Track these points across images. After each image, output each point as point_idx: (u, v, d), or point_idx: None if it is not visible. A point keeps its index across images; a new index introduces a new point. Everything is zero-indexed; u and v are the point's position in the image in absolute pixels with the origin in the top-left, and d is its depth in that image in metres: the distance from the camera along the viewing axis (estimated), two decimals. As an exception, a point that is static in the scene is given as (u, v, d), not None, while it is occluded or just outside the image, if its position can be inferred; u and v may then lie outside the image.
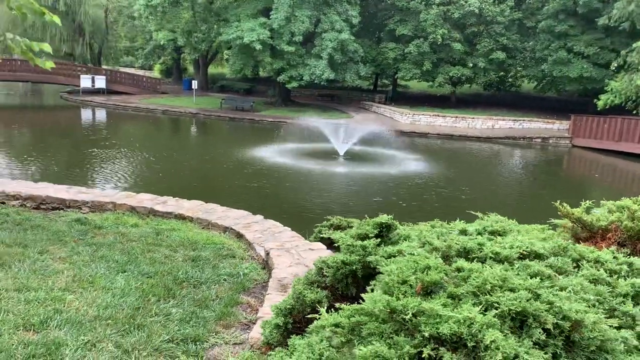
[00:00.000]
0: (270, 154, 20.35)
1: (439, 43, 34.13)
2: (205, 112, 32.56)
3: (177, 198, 8.65)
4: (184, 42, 35.98)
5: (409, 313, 2.16)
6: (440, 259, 2.58)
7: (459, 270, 2.39)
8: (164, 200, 8.46)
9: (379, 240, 3.18)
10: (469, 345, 2.01)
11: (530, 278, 2.37)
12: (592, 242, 4.15)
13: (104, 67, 44.75)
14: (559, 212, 4.38)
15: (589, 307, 2.34)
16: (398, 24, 36.12)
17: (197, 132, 29.47)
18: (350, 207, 13.57)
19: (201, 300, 4.81)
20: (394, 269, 2.49)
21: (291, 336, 2.95)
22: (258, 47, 30.77)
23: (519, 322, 2.16)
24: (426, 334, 2.09)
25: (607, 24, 29.27)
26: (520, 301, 2.11)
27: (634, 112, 27.28)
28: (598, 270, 2.61)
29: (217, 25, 33.23)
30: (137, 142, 22.75)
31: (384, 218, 3.38)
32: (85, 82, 37.64)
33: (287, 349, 2.80)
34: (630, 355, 2.15)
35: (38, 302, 4.22)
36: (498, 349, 1.93)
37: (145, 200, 8.38)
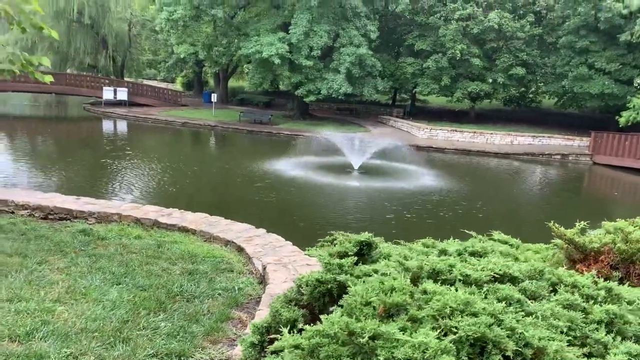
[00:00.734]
0: (284, 167, 20.41)
1: (457, 58, 34.02)
2: (224, 124, 32.86)
3: (182, 210, 8.70)
4: (204, 56, 36.47)
5: (365, 336, 2.11)
6: (408, 279, 2.53)
7: (424, 292, 2.34)
8: (169, 212, 8.52)
9: (356, 258, 3.14)
10: (424, 371, 1.95)
11: (498, 302, 2.31)
12: (586, 264, 4.05)
13: (126, 79, 45.54)
14: (552, 233, 4.29)
15: (560, 333, 2.27)
16: (417, 39, 36.13)
17: (213, 144, 29.75)
18: (361, 221, 13.49)
19: (192, 315, 4.80)
20: (359, 289, 2.44)
21: (266, 355, 2.91)
22: (277, 61, 31.03)
23: (479, 349, 2.10)
24: (381, 359, 2.04)
25: (630, 40, 28.87)
26: (479, 326, 2.05)
27: (657, 129, 26.76)
28: (573, 295, 2.53)
29: (237, 39, 33.63)
30: (154, 154, 23.02)
31: (364, 236, 3.33)
32: (107, 94, 38.31)
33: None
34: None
35: (27, 313, 4.26)
36: (450, 376, 1.87)
37: (151, 212, 8.45)
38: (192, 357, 4.05)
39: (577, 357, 2.17)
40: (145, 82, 51.52)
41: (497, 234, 5.29)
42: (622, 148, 27.00)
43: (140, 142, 28.22)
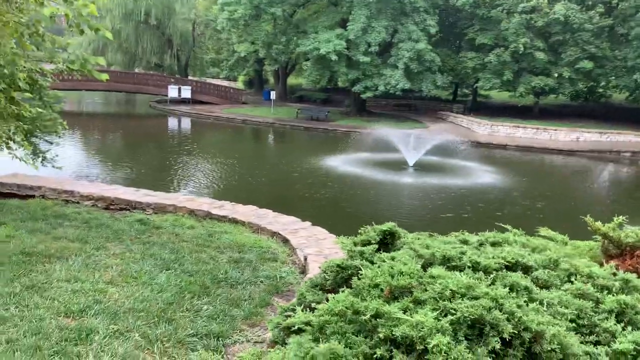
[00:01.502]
0: (338, 163, 20.58)
1: (520, 52, 32.97)
2: (282, 121, 33.42)
3: (233, 203, 9.02)
4: (264, 54, 37.15)
5: (367, 314, 2.24)
6: (418, 265, 2.63)
7: (430, 277, 2.43)
8: (221, 205, 8.87)
9: (377, 246, 3.25)
10: (417, 348, 2.06)
11: (505, 288, 2.37)
12: (622, 259, 3.98)
13: (190, 77, 47.09)
14: (588, 227, 4.23)
15: (564, 320, 2.31)
16: (478, 32, 35.31)
17: (270, 141, 30.37)
18: (411, 217, 13.47)
19: (234, 300, 5.05)
20: (369, 273, 2.57)
21: (291, 335, 3.09)
22: (334, 57, 31.21)
23: (477, 330, 2.18)
24: (382, 336, 2.16)
25: None
26: (477, 309, 2.13)
27: None
28: (586, 284, 2.55)
29: (296, 37, 34.05)
30: (214, 150, 23.78)
31: (387, 225, 3.44)
32: (172, 92, 39.75)
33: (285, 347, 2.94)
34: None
35: (82, 293, 4.63)
36: (441, 353, 1.97)
37: (204, 204, 8.83)
38: (229, 338, 4.28)
39: (579, 342, 2.21)
40: (209, 80, 53.06)
41: (544, 231, 5.23)
42: (699, 145, 25.38)
43: (201, 138, 29.19)
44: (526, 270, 2.69)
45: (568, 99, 42.31)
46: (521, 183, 19.32)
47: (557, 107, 41.64)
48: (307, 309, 2.61)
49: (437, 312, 2.18)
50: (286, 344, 3.31)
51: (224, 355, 3.99)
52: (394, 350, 2.14)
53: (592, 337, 2.34)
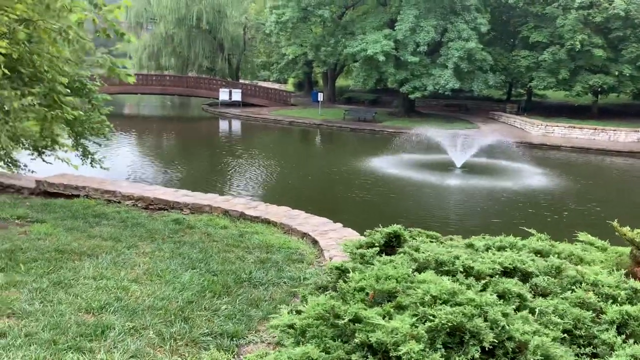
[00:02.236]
0: (383, 164, 20.38)
1: (577, 50, 31.66)
2: (328, 123, 33.46)
3: (267, 204, 9.10)
4: (312, 56, 37.32)
5: (345, 318, 2.19)
6: (410, 269, 2.55)
7: (418, 282, 2.35)
8: (255, 205, 8.95)
9: (377, 249, 3.18)
10: (392, 355, 1.99)
11: (493, 295, 2.26)
12: (651, 268, 3.73)
13: (241, 81, 47.91)
14: (615, 233, 3.99)
15: (557, 330, 2.18)
16: (532, 30, 34.19)
17: (315, 142, 30.46)
18: (454, 221, 13.18)
19: (253, 300, 5.06)
20: (356, 276, 2.51)
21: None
22: (381, 58, 30.97)
23: (458, 338, 2.08)
24: (358, 341, 2.11)
25: None
26: (457, 316, 2.04)
27: None
28: (587, 292, 2.40)
29: (344, 38, 34.01)
30: (260, 151, 24.05)
31: (392, 228, 3.36)
32: (223, 95, 40.55)
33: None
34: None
35: (105, 290, 4.76)
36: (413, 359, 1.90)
37: (238, 204, 8.93)
38: (244, 339, 4.29)
39: (573, 355, 2.08)
40: (262, 83, 53.84)
41: (583, 236, 5.01)
42: None
43: (249, 140, 29.64)
44: (526, 276, 2.56)
45: (630, 98, 40.30)
46: (575, 186, 18.52)
47: (617, 106, 39.75)
48: (294, 311, 2.58)
49: (416, 318, 2.10)
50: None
51: (235, 356, 4.00)
52: (369, 356, 2.08)
53: (589, 349, 2.20)
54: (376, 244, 3.28)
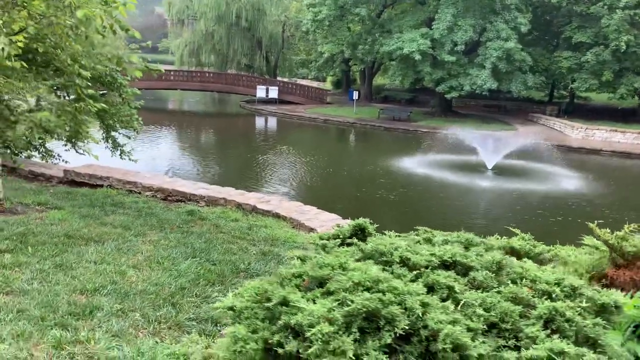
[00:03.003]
0: (413, 164, 20.26)
1: (622, 50, 30.59)
2: (362, 121, 33.43)
3: (280, 199, 9.26)
4: (349, 54, 37.33)
5: (273, 300, 2.29)
6: (353, 259, 2.63)
7: (346, 269, 2.44)
8: (268, 200, 9.12)
9: (338, 241, 3.27)
10: (306, 336, 2.09)
11: (419, 285, 2.33)
12: (629, 270, 3.69)
13: (279, 78, 48.36)
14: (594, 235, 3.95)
15: (479, 322, 2.22)
16: (576, 30, 33.20)
17: (347, 140, 30.53)
18: (477, 223, 13.03)
19: (246, 289, 5.20)
20: (297, 263, 2.61)
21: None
22: (417, 57, 30.72)
23: (376, 324, 2.16)
24: (282, 322, 2.21)
25: None
26: (372, 302, 2.11)
27: None
28: (521, 288, 2.44)
29: (381, 37, 33.88)
30: (291, 148, 24.25)
31: (359, 221, 3.44)
32: (260, 92, 41.01)
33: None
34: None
35: (104, 273, 4.99)
36: (318, 341, 1.99)
37: (252, 198, 9.12)
38: (228, 325, 4.43)
39: (483, 344, 2.12)
40: (298, 81, 54.17)
41: (587, 239, 4.96)
42: None
43: (282, 137, 29.95)
44: (467, 270, 2.60)
45: (680, 101, 38.64)
46: (612, 192, 17.95)
47: (666, 110, 38.15)
48: (238, 295, 2.69)
49: (337, 303, 2.18)
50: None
51: (215, 340, 4.14)
52: (290, 337, 2.17)
53: (512, 342, 2.23)
54: (341, 237, 3.36)
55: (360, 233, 3.47)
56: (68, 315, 4.04)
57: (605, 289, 3.48)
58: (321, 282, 2.44)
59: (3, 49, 4.52)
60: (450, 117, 35.39)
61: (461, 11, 31.19)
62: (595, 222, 3.93)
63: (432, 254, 2.60)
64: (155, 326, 4.13)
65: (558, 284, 2.54)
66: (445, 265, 2.61)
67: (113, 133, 11.56)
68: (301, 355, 2.10)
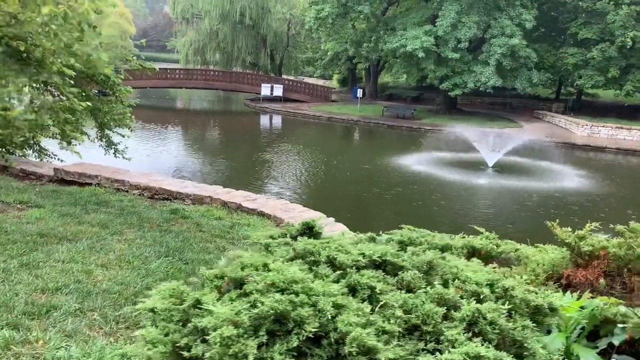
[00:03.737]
0: (413, 162, 20.13)
1: (629, 47, 30.24)
2: (366, 119, 33.30)
3: (267, 197, 9.19)
4: (353, 52, 37.19)
5: (186, 303, 2.23)
6: (282, 259, 2.56)
7: (270, 270, 2.36)
8: (254, 198, 9.05)
9: (282, 240, 3.19)
10: (206, 339, 2.02)
11: (339, 285, 2.25)
12: (588, 270, 3.59)
13: (284, 76, 48.32)
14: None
15: (395, 324, 2.14)
16: (582, 26, 32.84)
17: (350, 138, 30.41)
18: (468, 222, 12.87)
19: (215, 289, 5.14)
20: (223, 263, 2.54)
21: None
22: (421, 54, 30.53)
23: (286, 328, 2.08)
24: (191, 325, 2.14)
25: None
26: (281, 304, 2.04)
27: None
28: (449, 290, 2.35)
29: (385, 34, 33.71)
30: (294, 146, 24.21)
31: (306, 220, 3.36)
32: (265, 90, 41.00)
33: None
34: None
35: (70, 273, 4.94)
36: (219, 345, 1.93)
37: (238, 196, 9.05)
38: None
39: (393, 348, 2.05)
40: (305, 79, 54.10)
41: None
42: None
43: (285, 135, 29.91)
44: (398, 270, 2.51)
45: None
46: (615, 189, 17.73)
47: (674, 107, 37.69)
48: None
49: (249, 304, 2.11)
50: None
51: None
52: (198, 341, 2.10)
53: (431, 345, 2.15)
54: (288, 235, 3.29)
55: (309, 232, 3.39)
56: (23, 314, 3.99)
57: (560, 290, 3.41)
58: (241, 284, 2.37)
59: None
60: (454, 114, 35.17)
61: (465, 8, 30.95)
62: (589, 221, 3.83)
63: (361, 254, 2.52)
64: (112, 326, 4.07)
65: (491, 285, 2.45)
66: (376, 265, 2.53)
67: (107, 132, 11.57)
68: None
